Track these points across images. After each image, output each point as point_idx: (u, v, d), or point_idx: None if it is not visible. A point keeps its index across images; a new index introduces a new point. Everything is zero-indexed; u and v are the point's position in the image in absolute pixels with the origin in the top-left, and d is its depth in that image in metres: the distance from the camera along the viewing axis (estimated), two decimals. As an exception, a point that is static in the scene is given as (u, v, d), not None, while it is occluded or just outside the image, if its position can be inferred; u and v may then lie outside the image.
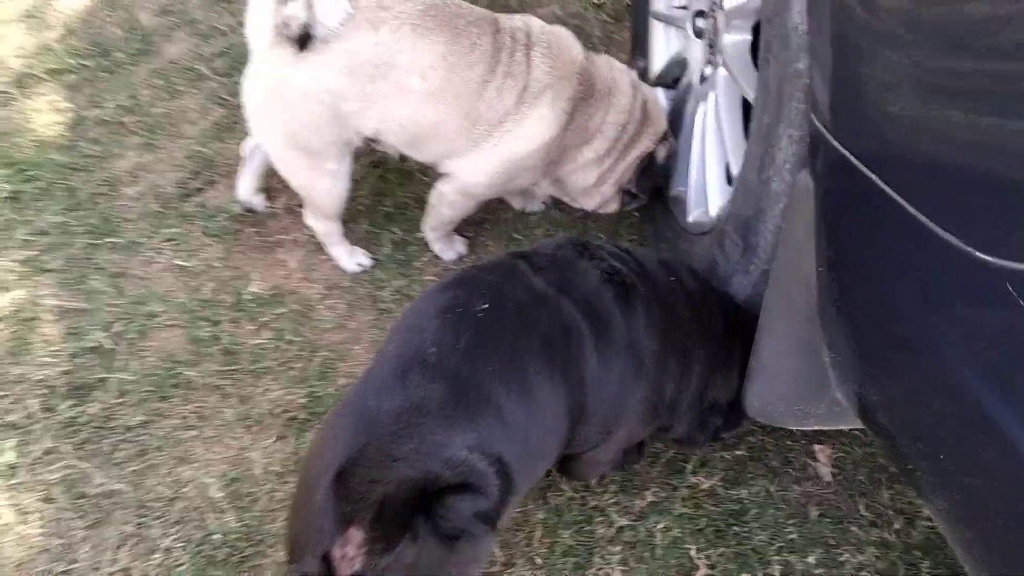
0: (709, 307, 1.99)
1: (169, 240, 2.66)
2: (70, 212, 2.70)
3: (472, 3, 2.29)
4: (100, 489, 2.21)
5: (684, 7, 2.53)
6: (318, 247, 2.65)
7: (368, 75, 2.14)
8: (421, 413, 1.51)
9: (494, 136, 2.26)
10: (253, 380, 2.42)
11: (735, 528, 2.24)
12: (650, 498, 2.28)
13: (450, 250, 2.67)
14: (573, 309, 1.75)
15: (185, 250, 2.65)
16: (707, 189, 2.33)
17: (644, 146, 2.41)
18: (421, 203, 2.63)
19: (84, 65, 3.08)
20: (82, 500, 2.20)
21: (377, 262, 2.66)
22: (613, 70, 2.37)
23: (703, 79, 2.39)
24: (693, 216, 2.37)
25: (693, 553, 2.19)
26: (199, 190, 2.78)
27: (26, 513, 2.16)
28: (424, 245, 2.69)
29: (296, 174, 2.38)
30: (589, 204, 2.55)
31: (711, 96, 2.33)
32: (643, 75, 2.71)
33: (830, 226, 1.40)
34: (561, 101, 2.25)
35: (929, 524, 2.25)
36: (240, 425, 2.34)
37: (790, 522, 2.26)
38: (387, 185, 2.88)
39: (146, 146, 2.88)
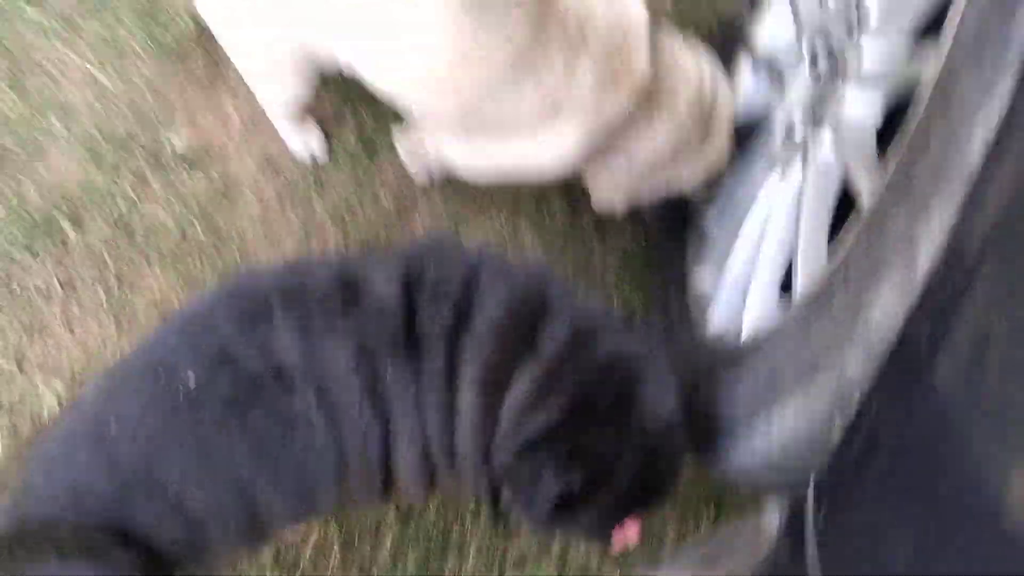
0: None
1: (95, 37, 2.14)
2: (-12, -49, 2.14)
3: None
4: (-67, 340, 1.95)
5: (794, 53, 1.84)
6: (270, 108, 2.15)
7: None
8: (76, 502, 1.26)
9: (491, 137, 1.71)
10: (142, 261, 2.06)
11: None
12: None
13: (422, 168, 2.18)
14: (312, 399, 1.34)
15: (110, 58, 2.13)
16: (748, 296, 1.71)
17: (679, 175, 1.87)
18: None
19: None
20: (-87, 343, 1.95)
21: (333, 155, 2.18)
22: (677, 73, 1.74)
23: (789, 139, 1.79)
24: (717, 328, 1.78)
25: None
26: (152, -24, 2.20)
27: None
28: (393, 151, 2.20)
29: (247, 74, 1.85)
30: (593, 194, 2.03)
31: (794, 171, 1.73)
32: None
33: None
34: (595, 124, 1.67)
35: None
36: (108, 312, 2.02)
37: None
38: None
39: None
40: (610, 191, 1.93)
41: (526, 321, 1.34)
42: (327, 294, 1.35)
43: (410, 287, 1.35)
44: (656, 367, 1.33)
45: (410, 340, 1.32)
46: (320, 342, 1.31)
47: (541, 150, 1.70)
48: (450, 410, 1.34)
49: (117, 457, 1.26)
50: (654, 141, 1.75)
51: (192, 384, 1.28)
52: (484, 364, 1.32)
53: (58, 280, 2.02)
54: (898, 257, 1.10)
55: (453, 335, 1.32)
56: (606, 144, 1.72)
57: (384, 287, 1.35)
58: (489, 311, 1.33)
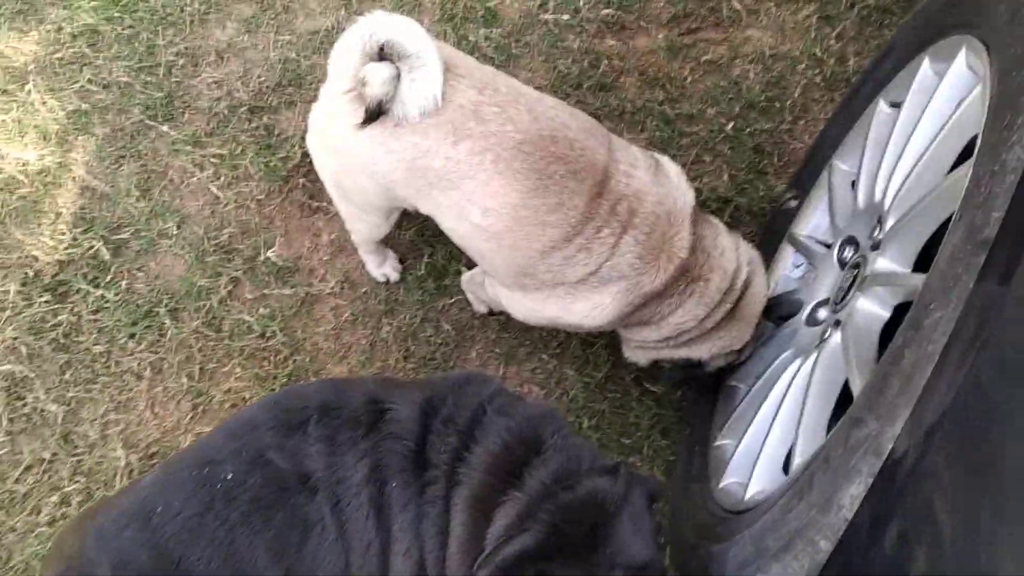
0: None
1: (217, 156, 2.45)
2: (140, 73, 2.49)
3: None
4: (36, 403, 2.21)
5: (826, 244, 2.04)
6: (356, 234, 2.42)
7: (429, 181, 1.80)
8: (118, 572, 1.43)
9: (542, 292, 1.93)
10: (223, 356, 2.31)
11: None
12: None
13: (482, 304, 2.41)
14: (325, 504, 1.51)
15: (227, 175, 2.44)
16: (758, 462, 1.87)
17: (700, 352, 2.03)
18: (475, 245, 2.34)
19: None
20: (18, 403, 2.22)
21: (404, 280, 2.43)
22: (718, 263, 1.95)
23: (813, 321, 1.96)
24: (726, 482, 1.93)
25: None
26: (272, 108, 2.52)
27: (-37, 395, 2.20)
28: (457, 282, 2.43)
29: (340, 207, 2.12)
30: (624, 349, 2.21)
31: (812, 356, 1.88)
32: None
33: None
34: (631, 294, 1.87)
35: None
36: (189, 399, 2.27)
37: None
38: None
39: (248, 23, 2.59)
40: (638, 351, 2.12)
41: (519, 457, 1.49)
42: (356, 414, 1.54)
43: (427, 416, 1.53)
44: (634, 510, 1.48)
45: (418, 463, 1.50)
46: (342, 456, 1.50)
47: (582, 309, 1.91)
48: (445, 530, 1.50)
49: (158, 539, 1.45)
50: (682, 317, 1.94)
51: (229, 479, 1.48)
52: (474, 492, 1.48)
53: (150, 364, 2.28)
54: (866, 457, 1.26)
55: (454, 462, 1.49)
56: (640, 311, 1.91)
57: (405, 412, 1.53)
58: (487, 445, 1.50)
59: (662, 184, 1.88)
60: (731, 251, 1.96)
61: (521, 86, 1.83)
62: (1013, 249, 1.05)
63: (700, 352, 2.03)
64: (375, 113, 1.71)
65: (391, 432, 1.51)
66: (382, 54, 1.68)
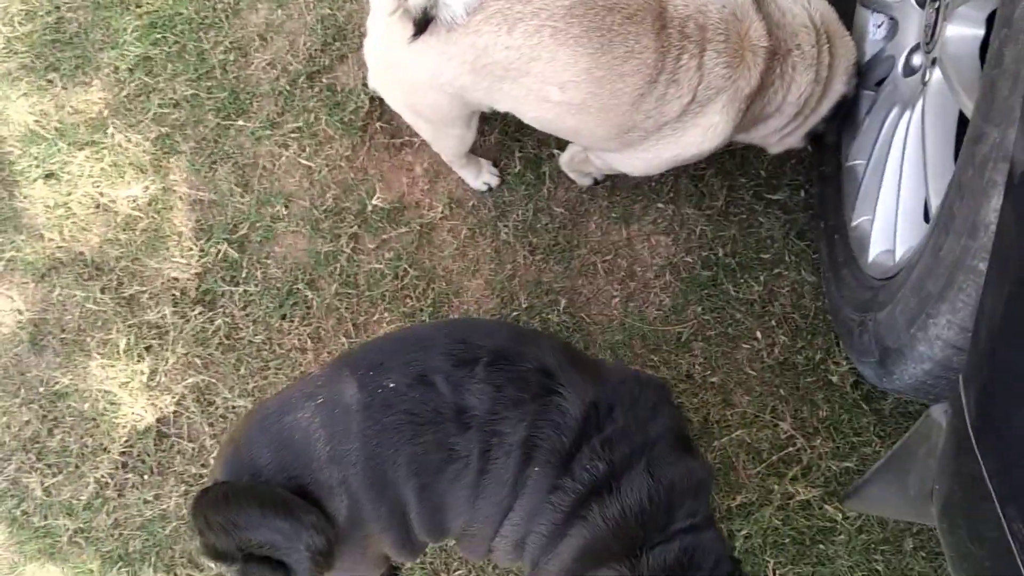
0: None
1: (296, 131, 2.54)
2: (200, 81, 2.59)
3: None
4: (225, 403, 2.40)
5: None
6: (445, 155, 2.48)
7: (496, 76, 1.83)
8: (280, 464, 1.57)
9: (650, 140, 1.95)
10: (369, 306, 2.44)
11: (820, 546, 2.23)
12: (740, 499, 2.26)
13: (586, 177, 2.44)
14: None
15: (311, 144, 2.53)
16: (897, 224, 1.89)
17: (834, 97, 2.03)
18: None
19: None
20: (211, 408, 2.41)
21: (504, 182, 2.48)
22: (796, 26, 1.91)
23: (910, 70, 1.90)
24: (873, 256, 1.96)
25: (770, 567, 2.22)
26: (328, 68, 2.58)
27: (164, 415, 2.40)
28: (554, 165, 2.47)
29: (420, 130, 2.18)
30: (771, 149, 2.21)
31: (919, 102, 1.85)
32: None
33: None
34: (736, 103, 1.88)
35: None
36: (353, 355, 2.41)
37: (881, 549, 2.22)
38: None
39: (278, -2, 2.66)
40: (786, 139, 2.13)
41: (643, 533, 1.52)
42: (526, 375, 1.59)
43: (589, 424, 1.57)
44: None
45: (563, 466, 1.55)
46: (505, 410, 1.56)
47: (696, 138, 1.94)
48: (552, 547, 1.58)
49: (312, 427, 1.55)
50: (799, 90, 1.94)
51: (391, 387, 1.57)
52: (589, 544, 1.53)
53: (309, 336, 2.43)
54: (998, 167, 1.25)
55: (590, 493, 1.53)
56: (753, 111, 1.92)
57: (572, 408, 1.56)
58: (624, 501, 1.53)
59: None
60: (798, 5, 1.95)
61: None
62: None
63: (837, 92, 2.03)
64: (423, 22, 1.75)
65: (553, 420, 1.56)
66: None
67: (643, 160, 2.04)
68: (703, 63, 1.82)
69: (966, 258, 1.39)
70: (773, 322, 2.35)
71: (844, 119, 2.14)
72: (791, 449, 2.30)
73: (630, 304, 2.40)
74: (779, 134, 2.09)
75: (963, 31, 1.65)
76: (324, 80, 2.58)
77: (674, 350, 2.36)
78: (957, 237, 1.41)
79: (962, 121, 1.66)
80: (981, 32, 1.65)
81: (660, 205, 2.44)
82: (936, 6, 1.77)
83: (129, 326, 2.45)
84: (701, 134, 1.93)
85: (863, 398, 2.31)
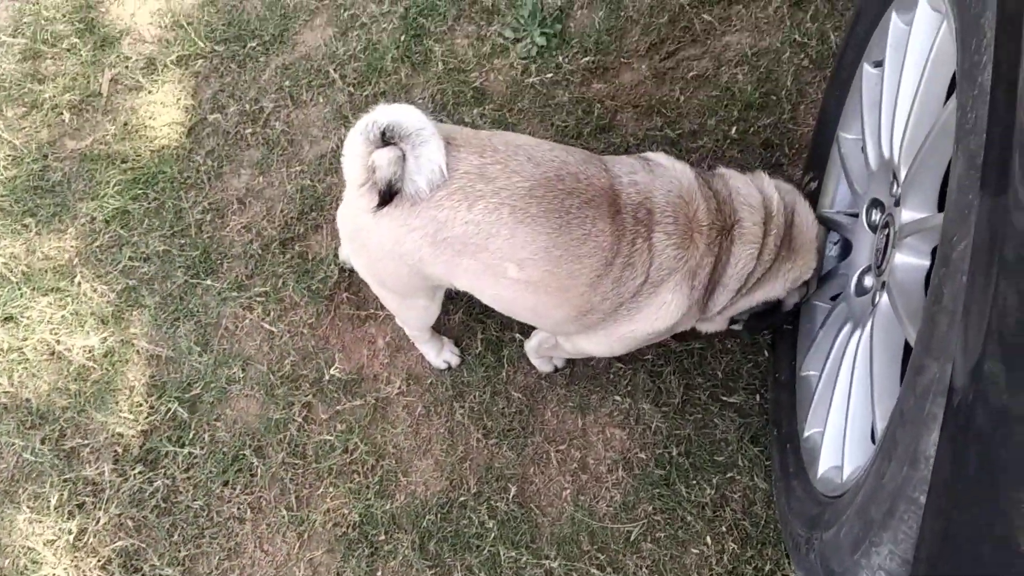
0: None
1: (262, 295, 2.56)
2: (174, 238, 2.63)
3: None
4: (153, 571, 2.29)
5: (854, 215, 2.05)
6: (408, 331, 2.49)
7: (455, 250, 1.87)
8: None
9: (609, 319, 1.98)
10: (315, 480, 2.38)
11: None
12: None
13: (548, 364, 2.45)
14: None
15: (275, 309, 2.55)
16: (846, 441, 1.87)
17: (775, 290, 2.05)
18: (521, 310, 2.39)
19: (216, 51, 2.88)
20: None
21: (464, 362, 2.49)
22: (739, 204, 1.98)
23: (862, 290, 1.96)
24: (822, 470, 1.94)
25: None
26: (302, 236, 2.63)
27: (85, 580, 2.29)
28: (515, 349, 2.48)
29: (385, 300, 2.21)
30: (699, 326, 2.22)
31: (869, 322, 1.88)
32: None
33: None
34: (687, 281, 1.92)
35: None
36: (292, 529, 2.33)
37: None
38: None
39: (260, 165, 2.72)
40: (716, 319, 2.13)
41: None
42: None
43: None
44: None
45: None
46: None
47: (651, 317, 1.96)
48: None
49: None
50: (738, 263, 1.97)
51: None
52: None
53: (249, 506, 2.36)
54: (936, 400, 1.26)
55: None
56: (704, 286, 1.96)
57: None
58: None
59: (661, 175, 1.96)
60: (747, 186, 2.02)
61: (517, 138, 1.93)
62: (1001, 158, 1.07)
63: (774, 290, 2.06)
64: (388, 194, 1.80)
65: None
66: (385, 139, 1.78)
67: (606, 342, 2.06)
68: (653, 245, 1.88)
69: (907, 488, 1.38)
70: (724, 528, 2.30)
71: (800, 328, 2.19)
72: (738, 665, 2.20)
73: (581, 497, 2.35)
74: (719, 311, 2.12)
75: (910, 260, 1.71)
76: (296, 247, 2.62)
77: (622, 550, 2.29)
78: (899, 465, 1.41)
79: (908, 347, 1.69)
80: (927, 263, 1.71)
81: (617, 398, 2.44)
82: (886, 233, 1.84)
83: (64, 480, 2.37)
84: (654, 312, 1.95)
85: (814, 615, 2.24)
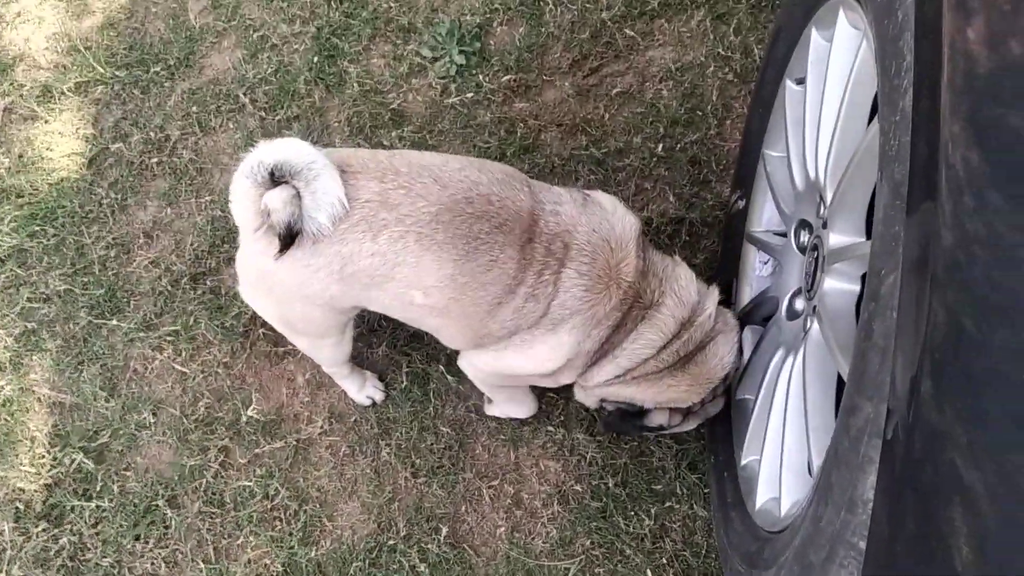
0: None
1: (172, 334, 2.42)
2: (76, 277, 2.47)
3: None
4: (60, 637, 2.14)
5: (783, 235, 1.99)
6: (329, 366, 2.37)
7: (363, 283, 1.77)
8: None
9: (500, 344, 1.89)
10: (234, 528, 2.24)
11: None
12: None
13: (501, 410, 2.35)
14: None
15: (187, 349, 2.41)
16: (782, 473, 1.79)
17: (646, 396, 1.96)
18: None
19: (117, 76, 2.73)
20: (42, 643, 2.15)
21: (389, 397, 2.37)
22: (667, 289, 1.88)
23: (793, 314, 1.89)
24: (761, 502, 1.86)
25: None
26: (214, 270, 2.49)
27: (-15, 650, 2.12)
28: (442, 382, 2.38)
29: (295, 342, 2.10)
30: (577, 394, 2.13)
31: (801, 349, 1.80)
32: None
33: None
34: (587, 327, 1.83)
35: None
36: (211, 584, 2.20)
37: None
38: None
39: (168, 196, 2.58)
40: (594, 391, 2.03)
41: None
42: None
43: None
44: None
45: None
46: None
47: (543, 355, 1.87)
48: None
49: None
50: (637, 343, 1.88)
51: None
52: None
53: (163, 560, 2.21)
54: (872, 442, 1.20)
55: None
56: (600, 344, 1.87)
57: None
58: None
59: (593, 214, 1.86)
60: (689, 283, 1.92)
61: (422, 157, 1.83)
62: (921, 184, 1.01)
63: (645, 396, 1.97)
64: (289, 237, 1.69)
65: None
66: (275, 179, 1.67)
67: (489, 363, 1.96)
68: (561, 280, 1.79)
69: (845, 533, 1.31)
70: (664, 559, 2.22)
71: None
72: None
73: (516, 535, 2.25)
74: (597, 384, 2.01)
75: (840, 286, 1.65)
76: (208, 282, 2.49)
77: (560, 587, 2.21)
78: (836, 509, 1.34)
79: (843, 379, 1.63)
80: (857, 288, 1.65)
81: (550, 428, 2.35)
82: (815, 255, 1.78)
83: (-40, 543, 2.21)
84: (547, 351, 1.86)
85: (757, 645, 2.17)
